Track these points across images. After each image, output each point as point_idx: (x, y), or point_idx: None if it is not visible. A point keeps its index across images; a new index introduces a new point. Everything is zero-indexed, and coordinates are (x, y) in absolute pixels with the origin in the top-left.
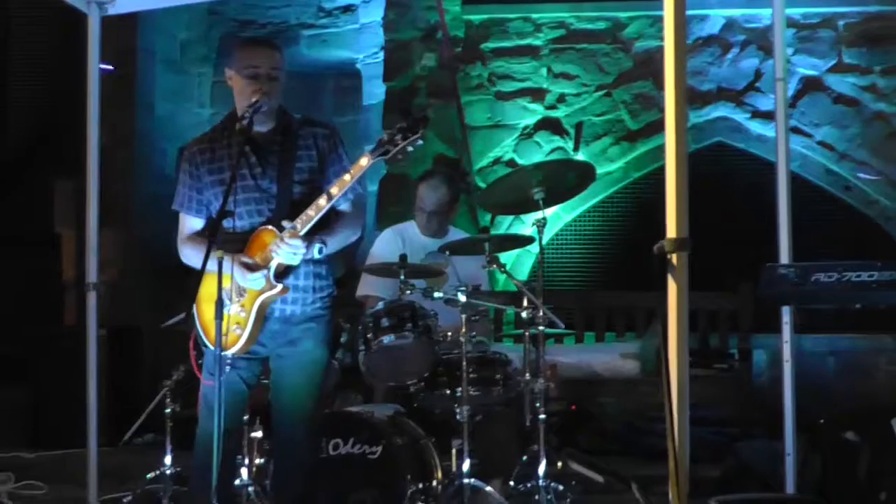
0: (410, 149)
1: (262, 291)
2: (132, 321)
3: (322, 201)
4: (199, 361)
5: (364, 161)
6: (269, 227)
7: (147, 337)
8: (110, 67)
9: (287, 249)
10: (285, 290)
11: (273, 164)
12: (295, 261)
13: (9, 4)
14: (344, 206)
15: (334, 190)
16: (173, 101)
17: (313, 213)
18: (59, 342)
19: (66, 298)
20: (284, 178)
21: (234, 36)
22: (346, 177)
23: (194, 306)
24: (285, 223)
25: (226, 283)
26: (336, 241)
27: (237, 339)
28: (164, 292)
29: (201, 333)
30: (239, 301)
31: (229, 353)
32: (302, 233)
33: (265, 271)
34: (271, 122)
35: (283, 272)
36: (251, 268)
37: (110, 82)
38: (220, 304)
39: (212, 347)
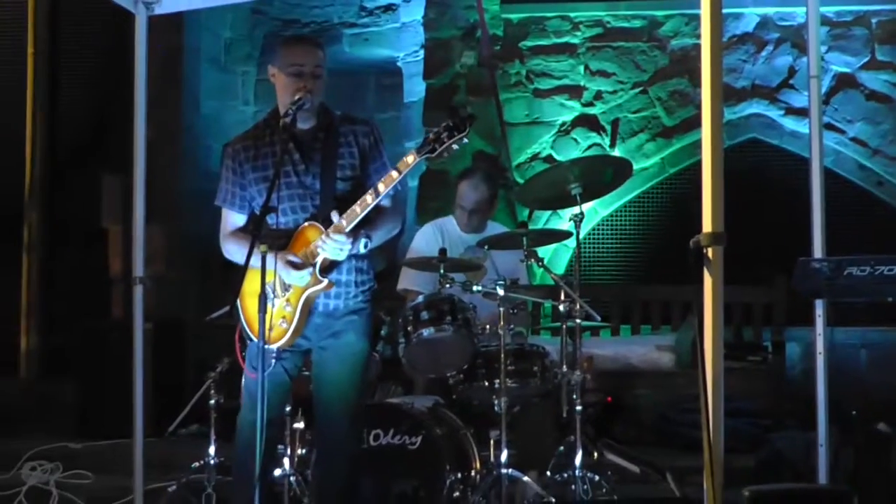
0: (455, 147)
1: (307, 287)
2: (177, 314)
3: (369, 198)
4: (244, 354)
5: (410, 158)
6: (314, 223)
7: (192, 330)
8: None
9: (333, 245)
10: (330, 284)
11: (316, 161)
12: (341, 256)
13: (58, 5)
14: (385, 202)
15: (381, 186)
16: (218, 98)
17: (359, 210)
18: (107, 335)
19: (114, 292)
20: (327, 175)
21: (278, 35)
22: (394, 173)
23: (238, 300)
24: (334, 217)
25: (269, 279)
26: (378, 236)
27: (284, 333)
28: (209, 286)
29: (245, 327)
30: (284, 296)
31: (275, 346)
32: (348, 229)
33: (310, 268)
34: (313, 120)
35: (327, 267)
36: (297, 266)
37: (157, 81)
38: (263, 299)
39: (256, 340)
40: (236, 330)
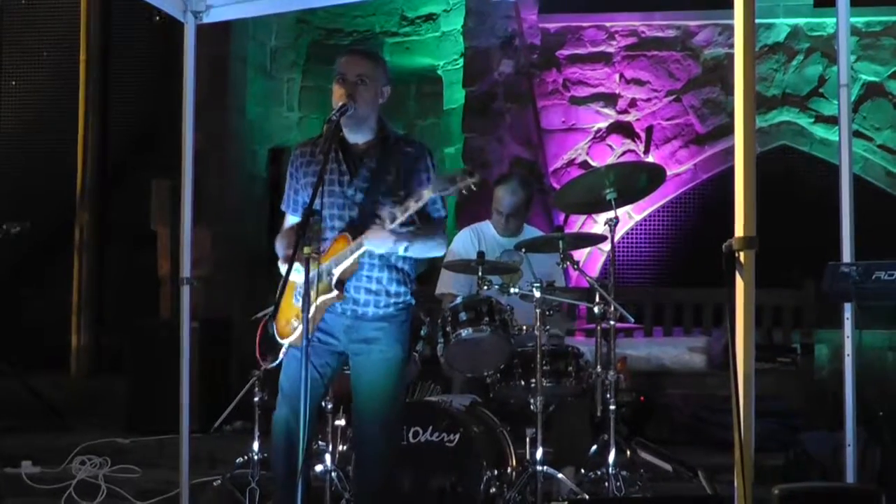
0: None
1: (319, 294)
2: (223, 314)
3: (412, 203)
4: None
5: (424, 194)
6: (346, 233)
7: (237, 329)
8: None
9: (376, 238)
10: (341, 296)
11: (362, 176)
12: (382, 249)
13: (110, 13)
14: (435, 215)
15: (426, 193)
16: (264, 105)
17: (399, 214)
18: (155, 334)
19: (162, 292)
20: (372, 191)
21: (322, 43)
22: (426, 193)
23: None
24: (381, 212)
25: (298, 280)
26: (419, 247)
27: (291, 333)
28: (254, 287)
29: (272, 323)
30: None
31: (285, 341)
32: (391, 226)
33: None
34: (369, 134)
35: (344, 280)
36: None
37: (205, 88)
38: (306, 298)
39: (274, 334)
40: (261, 323)
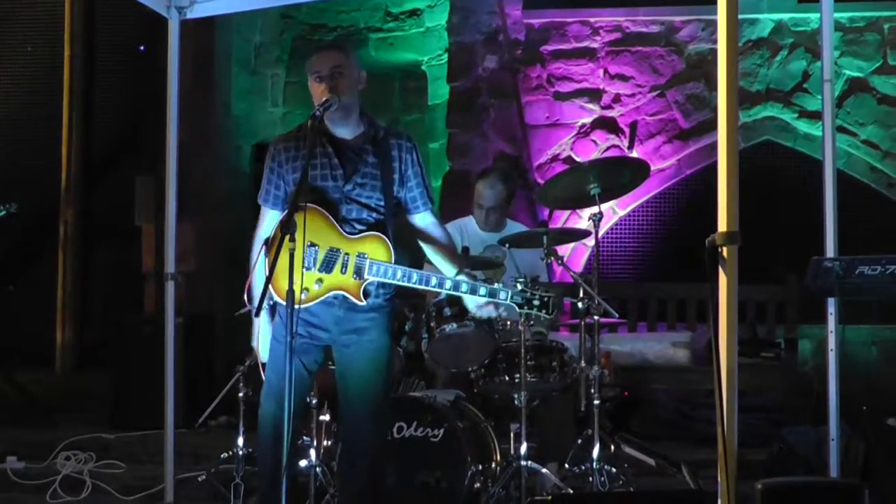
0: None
1: (342, 286)
2: (208, 310)
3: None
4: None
5: (500, 296)
6: (317, 207)
7: (222, 324)
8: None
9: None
10: (360, 300)
11: (360, 172)
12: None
13: (94, 9)
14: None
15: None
16: (248, 100)
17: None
18: (140, 329)
19: (146, 288)
20: (368, 186)
21: (306, 38)
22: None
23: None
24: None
25: (316, 246)
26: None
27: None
28: (239, 282)
29: (272, 289)
30: (320, 273)
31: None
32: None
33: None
34: (356, 128)
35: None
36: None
37: (189, 83)
38: (290, 296)
39: (279, 300)
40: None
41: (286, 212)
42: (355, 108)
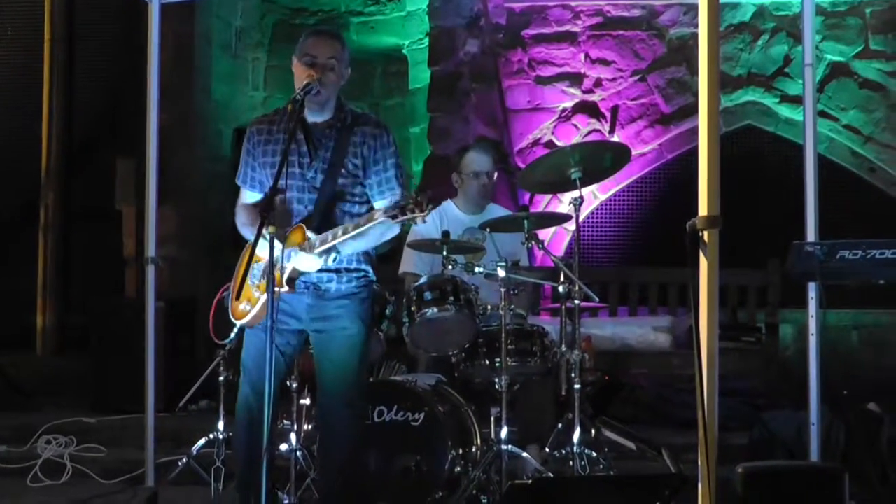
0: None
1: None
2: (189, 293)
3: (340, 231)
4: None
5: (377, 216)
6: (302, 225)
7: (202, 308)
8: None
9: (303, 261)
10: (291, 290)
11: (321, 157)
12: (310, 270)
13: None
14: (381, 204)
15: (350, 228)
16: (229, 84)
17: (331, 238)
18: (120, 313)
19: (127, 272)
20: (333, 171)
21: (287, 22)
22: (362, 222)
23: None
24: (310, 235)
25: (259, 261)
26: (359, 242)
27: (245, 314)
28: (219, 266)
29: (227, 300)
30: (257, 283)
31: (239, 323)
32: (318, 250)
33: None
34: (328, 113)
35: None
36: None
37: (170, 67)
38: (270, 278)
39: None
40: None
41: (264, 197)
42: (333, 98)
